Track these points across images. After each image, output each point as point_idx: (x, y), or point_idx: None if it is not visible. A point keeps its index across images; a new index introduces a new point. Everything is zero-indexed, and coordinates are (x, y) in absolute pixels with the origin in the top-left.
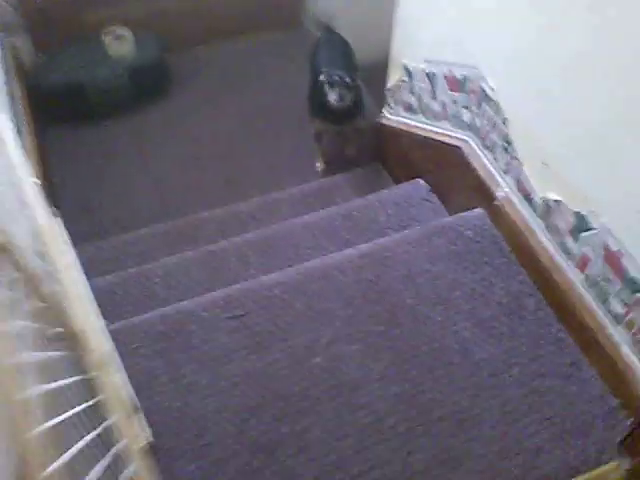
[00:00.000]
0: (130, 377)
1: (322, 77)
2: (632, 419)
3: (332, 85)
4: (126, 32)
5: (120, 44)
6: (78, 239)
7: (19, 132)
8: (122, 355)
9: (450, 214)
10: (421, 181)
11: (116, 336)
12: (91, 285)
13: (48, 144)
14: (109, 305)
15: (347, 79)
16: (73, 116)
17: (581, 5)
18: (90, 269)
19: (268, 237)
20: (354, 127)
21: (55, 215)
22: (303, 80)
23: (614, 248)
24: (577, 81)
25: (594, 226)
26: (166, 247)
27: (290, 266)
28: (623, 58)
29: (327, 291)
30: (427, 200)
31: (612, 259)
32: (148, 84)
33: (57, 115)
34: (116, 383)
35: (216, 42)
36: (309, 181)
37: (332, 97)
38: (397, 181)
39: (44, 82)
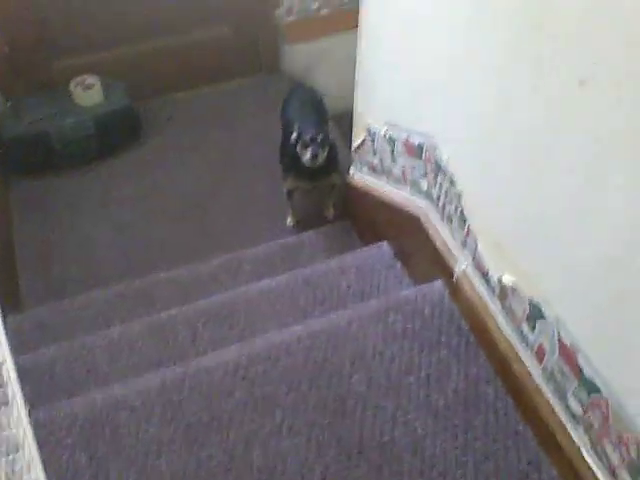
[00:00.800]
0: (50, 474)
1: (294, 136)
2: None
3: (305, 145)
4: (95, 81)
5: (88, 93)
6: (33, 299)
7: None
8: (43, 447)
9: (413, 282)
10: (385, 245)
11: (39, 423)
12: (31, 358)
13: (11, 194)
14: (47, 381)
15: (320, 137)
16: (38, 166)
17: (525, 86)
18: (38, 336)
19: (222, 306)
20: (329, 183)
21: None
22: (278, 127)
23: (568, 343)
24: (524, 163)
25: (548, 317)
26: (120, 310)
27: (242, 340)
28: (573, 145)
29: (271, 375)
30: (390, 267)
31: (567, 354)
32: (116, 133)
33: (22, 164)
34: None
35: (190, 89)
36: (279, 236)
37: (306, 157)
38: (364, 241)
39: (9, 131)
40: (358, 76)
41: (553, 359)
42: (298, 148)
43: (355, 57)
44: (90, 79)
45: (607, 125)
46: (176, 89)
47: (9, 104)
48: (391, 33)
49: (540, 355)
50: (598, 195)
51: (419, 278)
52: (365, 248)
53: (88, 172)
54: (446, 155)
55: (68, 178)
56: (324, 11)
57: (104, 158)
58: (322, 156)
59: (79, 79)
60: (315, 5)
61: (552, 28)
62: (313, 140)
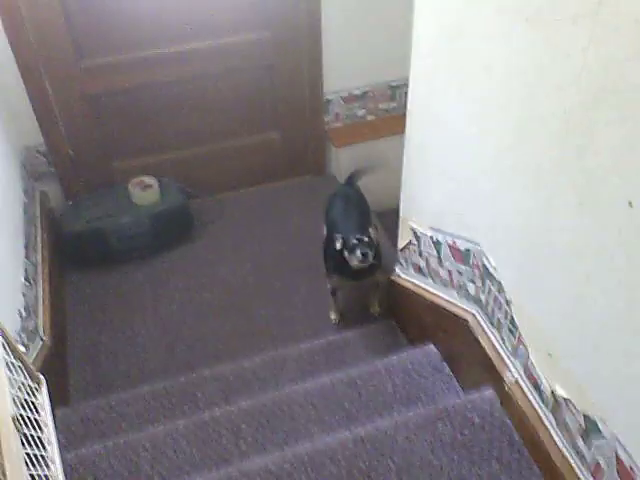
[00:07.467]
0: None
1: (339, 244)
2: None
3: (352, 249)
4: (153, 182)
5: (146, 193)
6: (80, 392)
7: (33, 281)
8: None
9: (461, 387)
10: (432, 348)
11: None
12: (76, 455)
13: (67, 289)
14: None
15: (365, 239)
16: (95, 261)
17: (572, 202)
18: (83, 432)
19: (265, 407)
20: (374, 281)
21: (39, 383)
22: (322, 227)
23: (627, 464)
24: (572, 275)
25: (605, 434)
26: (163, 408)
27: (286, 443)
28: (621, 261)
29: None
30: (438, 370)
31: (627, 477)
32: (170, 231)
33: (79, 259)
34: None
35: (241, 188)
36: (323, 333)
37: (355, 260)
38: (410, 340)
39: (69, 229)
40: (403, 185)
41: (611, 479)
42: (346, 254)
43: (398, 158)
44: (148, 180)
45: None
46: (228, 189)
47: (70, 203)
48: (436, 148)
49: (597, 474)
50: None
51: (468, 384)
52: (411, 350)
53: (141, 267)
54: (494, 262)
55: (122, 273)
56: (370, 117)
57: (157, 254)
58: (370, 255)
59: (137, 180)
60: (361, 112)
61: (597, 151)
62: (360, 242)
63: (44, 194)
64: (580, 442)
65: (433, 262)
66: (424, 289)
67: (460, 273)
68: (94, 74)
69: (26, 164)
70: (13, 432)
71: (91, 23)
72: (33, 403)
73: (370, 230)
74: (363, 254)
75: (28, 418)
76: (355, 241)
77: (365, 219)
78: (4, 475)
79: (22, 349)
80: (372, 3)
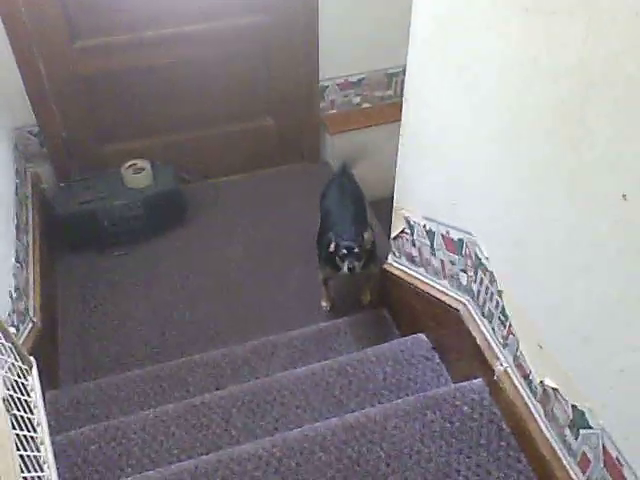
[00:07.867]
0: None
1: (332, 247)
2: None
3: (342, 259)
4: (146, 165)
5: (138, 176)
6: (70, 375)
7: (24, 263)
8: None
9: (451, 376)
10: (423, 337)
11: None
12: (66, 437)
13: (58, 272)
14: (80, 463)
15: (356, 249)
16: (87, 244)
17: (563, 196)
18: (73, 414)
19: (256, 393)
20: (367, 273)
21: (30, 365)
22: (316, 214)
23: (614, 455)
24: (565, 266)
25: (593, 425)
26: (154, 392)
27: (276, 429)
28: (612, 253)
29: (304, 470)
30: (428, 359)
31: (613, 467)
32: (163, 215)
33: (72, 242)
34: None
35: (235, 174)
36: (314, 320)
37: (344, 268)
38: (401, 329)
39: (60, 211)
40: (398, 173)
41: (597, 470)
42: (337, 259)
43: (393, 147)
44: (141, 163)
45: None
46: (222, 174)
47: (62, 185)
48: (431, 137)
49: (583, 464)
50: None
51: (458, 373)
52: (402, 339)
53: (134, 251)
54: (486, 252)
55: (114, 256)
56: (365, 105)
57: (150, 237)
58: (359, 266)
59: (130, 163)
60: (356, 99)
61: (591, 143)
62: (350, 252)
63: (36, 175)
64: (568, 433)
65: (426, 251)
66: (416, 278)
67: (452, 263)
68: (88, 55)
69: (18, 144)
70: (3, 413)
71: (85, 3)
72: (23, 385)
73: (365, 234)
74: (350, 269)
75: (18, 399)
76: (345, 251)
77: (360, 212)
78: None
79: (12, 330)
80: None
